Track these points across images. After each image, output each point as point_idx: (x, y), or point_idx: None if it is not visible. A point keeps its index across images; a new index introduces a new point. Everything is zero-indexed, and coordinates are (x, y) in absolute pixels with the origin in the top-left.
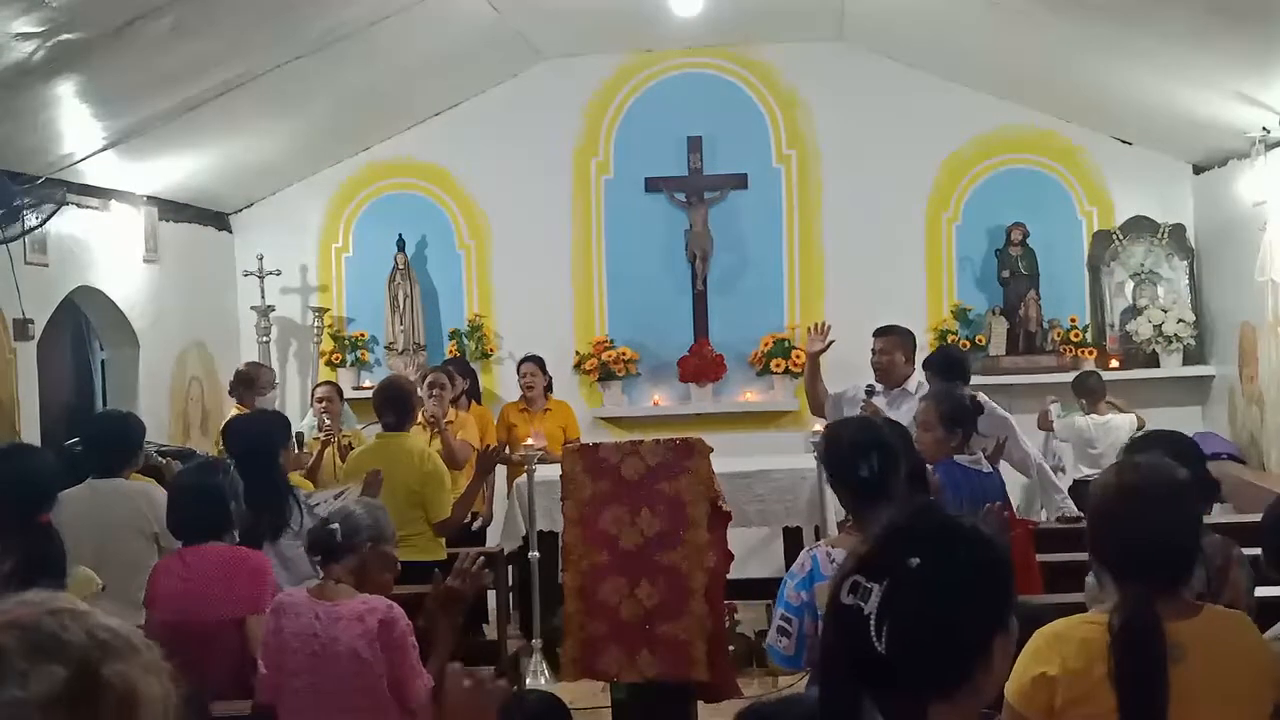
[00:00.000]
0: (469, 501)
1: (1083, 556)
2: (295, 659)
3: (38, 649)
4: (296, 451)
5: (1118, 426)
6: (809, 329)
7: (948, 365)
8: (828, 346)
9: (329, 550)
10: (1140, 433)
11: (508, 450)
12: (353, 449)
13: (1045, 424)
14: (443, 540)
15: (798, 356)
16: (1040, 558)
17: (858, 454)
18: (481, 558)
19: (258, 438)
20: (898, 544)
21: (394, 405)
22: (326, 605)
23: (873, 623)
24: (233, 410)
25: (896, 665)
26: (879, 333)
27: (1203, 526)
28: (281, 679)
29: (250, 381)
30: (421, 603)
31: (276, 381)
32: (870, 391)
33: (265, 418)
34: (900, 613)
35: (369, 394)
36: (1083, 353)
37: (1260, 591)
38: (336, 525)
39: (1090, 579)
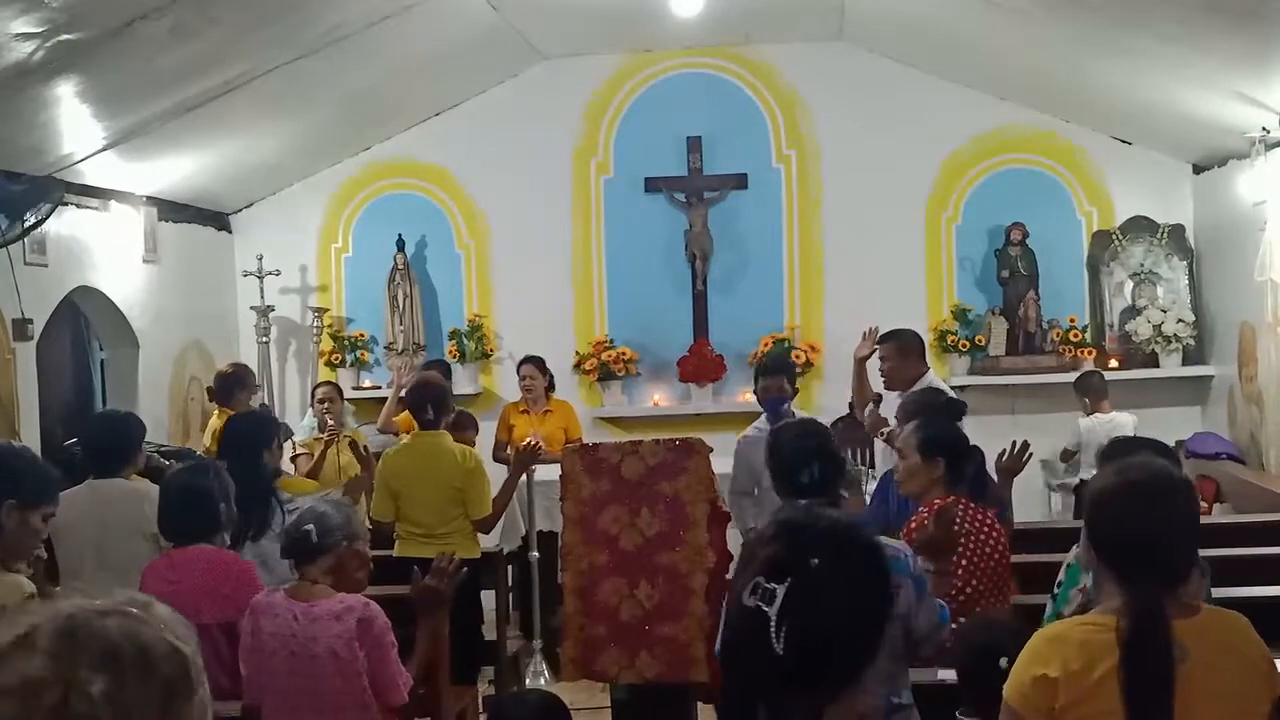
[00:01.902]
0: (506, 498)
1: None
2: (274, 660)
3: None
4: (293, 452)
5: (1122, 424)
6: (865, 332)
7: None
8: (873, 353)
9: (305, 551)
10: (1117, 438)
11: (508, 450)
12: (355, 448)
13: (1067, 456)
14: (478, 538)
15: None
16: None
17: (799, 460)
18: (458, 557)
19: (245, 436)
20: (798, 544)
21: (435, 403)
22: (304, 605)
23: (773, 623)
24: (215, 415)
25: (793, 666)
26: (881, 340)
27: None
28: (261, 680)
29: (241, 382)
30: (458, 599)
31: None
32: (878, 400)
33: (253, 417)
34: (800, 613)
35: (369, 394)
36: (1082, 353)
37: (1216, 593)
38: (311, 526)
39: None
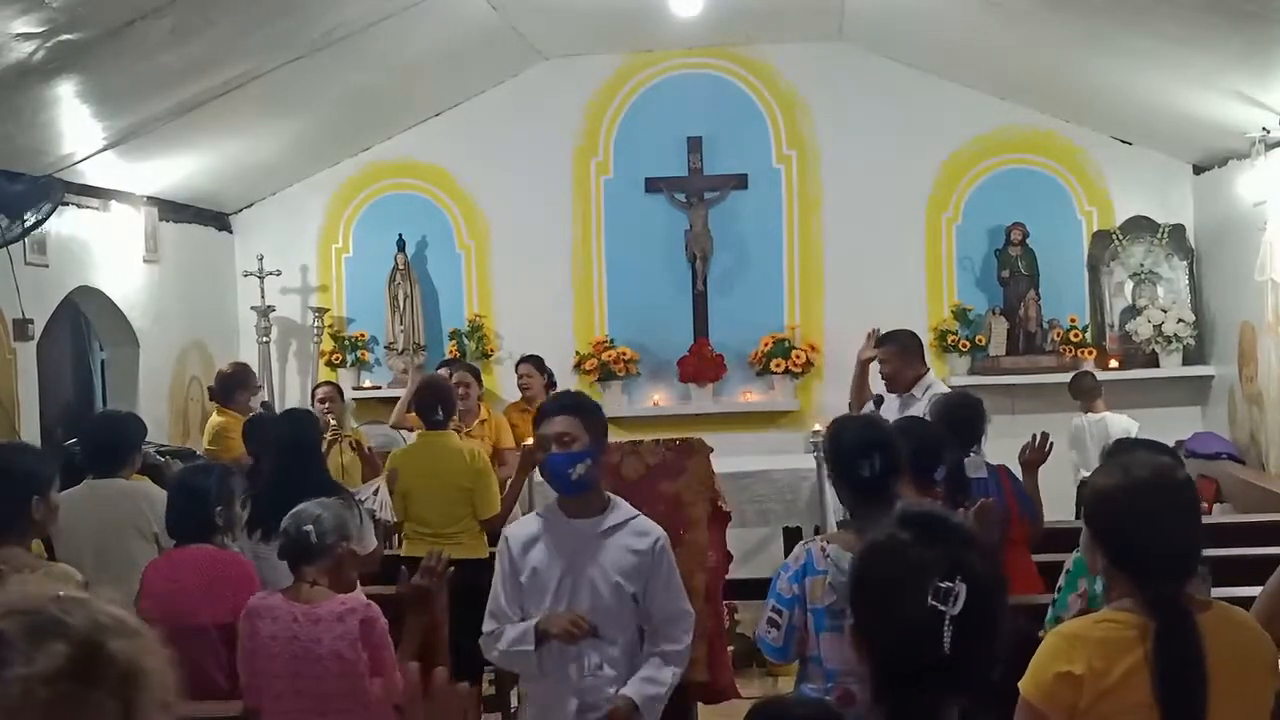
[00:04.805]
0: (514, 498)
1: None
2: (275, 662)
3: (40, 630)
4: None
5: (1113, 423)
6: (869, 334)
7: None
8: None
9: (305, 553)
10: (1121, 437)
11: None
12: (359, 448)
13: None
14: (485, 537)
15: (797, 356)
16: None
17: (860, 453)
18: (447, 556)
19: (298, 436)
20: (953, 541)
21: (443, 403)
22: (305, 607)
23: (947, 622)
24: (215, 415)
25: (959, 665)
26: (880, 342)
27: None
28: (261, 682)
29: (243, 382)
30: (475, 597)
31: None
32: (879, 402)
33: (303, 416)
34: (969, 609)
35: (370, 394)
36: (1082, 353)
37: (1216, 593)
38: (310, 528)
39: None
